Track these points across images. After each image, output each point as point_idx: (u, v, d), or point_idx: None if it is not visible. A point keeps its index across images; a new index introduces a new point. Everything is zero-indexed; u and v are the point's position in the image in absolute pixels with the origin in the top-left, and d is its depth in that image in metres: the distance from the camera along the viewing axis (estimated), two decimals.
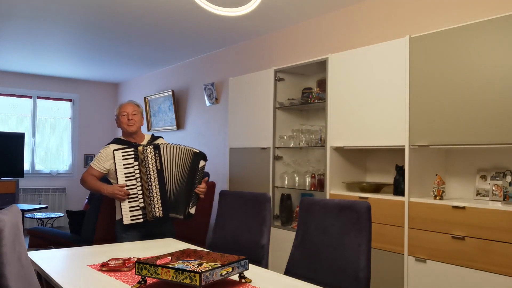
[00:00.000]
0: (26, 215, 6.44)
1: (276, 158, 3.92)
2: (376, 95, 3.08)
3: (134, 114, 3.07)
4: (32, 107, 7.58)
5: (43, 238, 4.25)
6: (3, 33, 4.91)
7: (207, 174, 4.09)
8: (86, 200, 5.70)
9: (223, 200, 2.82)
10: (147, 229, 2.93)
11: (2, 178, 6.47)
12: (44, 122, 7.69)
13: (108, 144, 3.08)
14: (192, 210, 2.92)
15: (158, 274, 1.63)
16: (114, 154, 2.87)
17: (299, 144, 3.81)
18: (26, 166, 7.38)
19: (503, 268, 2.32)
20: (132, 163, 2.87)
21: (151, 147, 2.89)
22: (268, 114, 3.97)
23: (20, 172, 6.71)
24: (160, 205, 2.87)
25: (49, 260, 2.14)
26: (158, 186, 2.86)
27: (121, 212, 2.85)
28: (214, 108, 5.57)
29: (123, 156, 2.86)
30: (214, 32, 4.75)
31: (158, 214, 2.85)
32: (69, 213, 4.31)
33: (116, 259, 2.07)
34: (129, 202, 2.84)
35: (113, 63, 6.51)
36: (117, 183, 2.86)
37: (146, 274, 1.66)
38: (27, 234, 4.78)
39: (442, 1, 3.12)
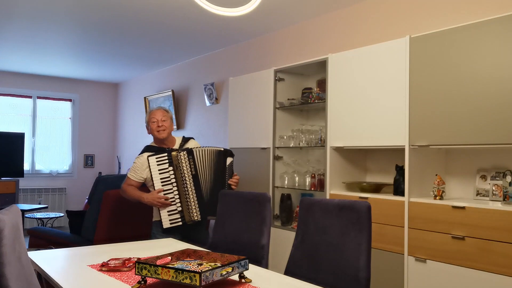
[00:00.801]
0: (26, 215, 6.44)
1: (276, 158, 3.92)
2: (376, 95, 3.07)
3: (164, 120, 3.08)
4: (32, 107, 7.58)
5: (43, 238, 4.25)
6: (3, 33, 4.91)
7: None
8: (86, 200, 5.70)
9: (223, 200, 2.82)
10: (183, 232, 2.97)
11: (2, 178, 6.47)
12: (44, 122, 7.69)
13: (141, 153, 3.08)
14: None
15: (158, 274, 1.63)
16: (148, 160, 2.90)
17: (299, 144, 3.81)
18: (26, 166, 7.38)
19: (503, 268, 2.32)
20: (167, 168, 2.91)
21: (184, 153, 2.93)
22: (268, 114, 3.97)
23: (20, 172, 6.71)
24: (198, 209, 2.93)
25: (49, 260, 2.14)
26: (194, 191, 2.93)
27: (160, 215, 2.91)
28: (214, 108, 5.57)
29: (157, 161, 2.90)
30: (214, 32, 4.75)
31: (196, 218, 2.92)
32: (69, 213, 4.32)
33: (116, 259, 2.07)
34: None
35: (113, 63, 6.51)
36: (154, 189, 2.90)
37: (146, 274, 1.66)
38: (27, 234, 4.78)
39: (442, 1, 3.12)
